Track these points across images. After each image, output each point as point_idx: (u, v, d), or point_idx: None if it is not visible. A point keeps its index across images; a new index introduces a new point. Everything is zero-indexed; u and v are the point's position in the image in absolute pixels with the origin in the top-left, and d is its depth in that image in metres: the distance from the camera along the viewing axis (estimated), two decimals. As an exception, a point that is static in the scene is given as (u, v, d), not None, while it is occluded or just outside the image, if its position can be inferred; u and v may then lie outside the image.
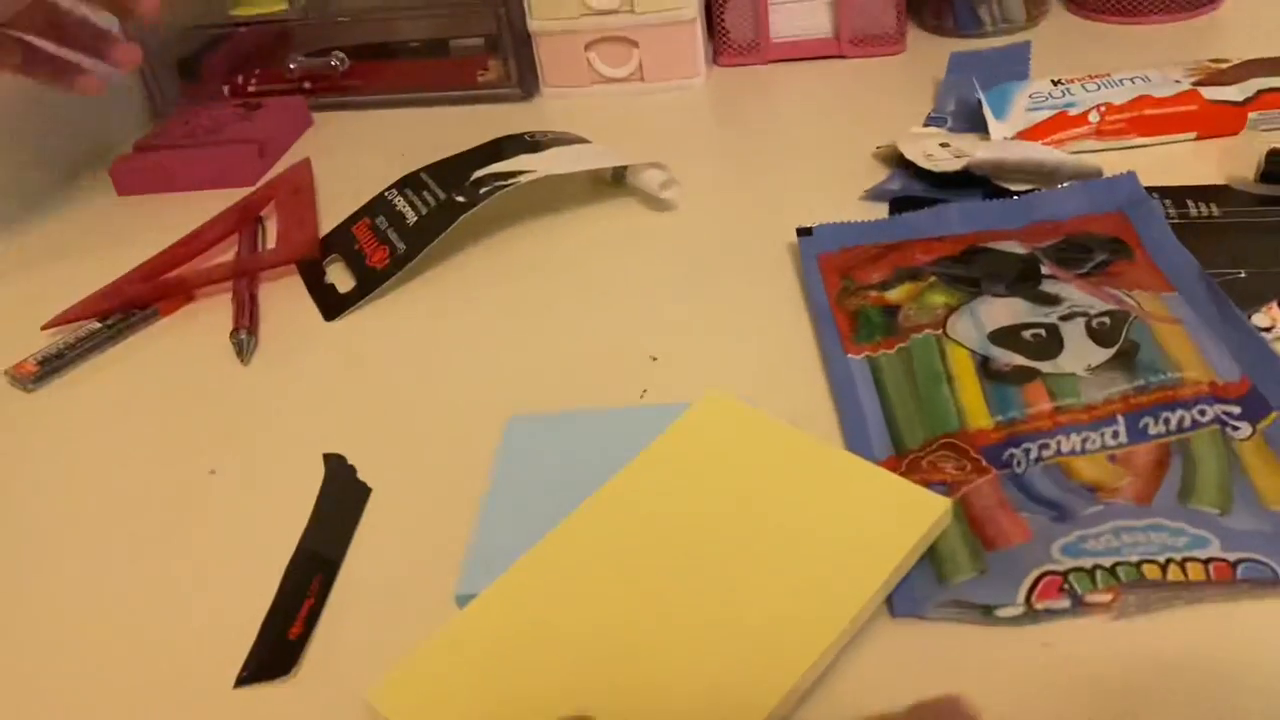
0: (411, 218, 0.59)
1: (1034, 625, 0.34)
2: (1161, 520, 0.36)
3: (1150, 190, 0.54)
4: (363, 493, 0.44)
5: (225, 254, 0.63)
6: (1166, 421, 0.39)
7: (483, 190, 0.59)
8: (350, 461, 0.45)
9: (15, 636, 0.39)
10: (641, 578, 0.36)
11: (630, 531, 0.37)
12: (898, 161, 0.63)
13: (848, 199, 0.60)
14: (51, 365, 0.54)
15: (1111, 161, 0.59)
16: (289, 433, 0.48)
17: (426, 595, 0.38)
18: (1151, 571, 0.34)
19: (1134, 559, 0.34)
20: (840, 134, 0.68)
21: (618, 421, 0.44)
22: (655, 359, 0.49)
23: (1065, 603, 0.34)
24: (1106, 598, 0.34)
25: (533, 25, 0.77)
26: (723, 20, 0.80)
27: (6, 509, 0.46)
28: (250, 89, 0.84)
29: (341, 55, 0.82)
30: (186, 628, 0.39)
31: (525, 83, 0.80)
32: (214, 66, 0.85)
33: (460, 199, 0.59)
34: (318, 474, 0.45)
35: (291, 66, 0.82)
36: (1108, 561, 0.34)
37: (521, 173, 0.60)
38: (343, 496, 0.43)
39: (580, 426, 0.44)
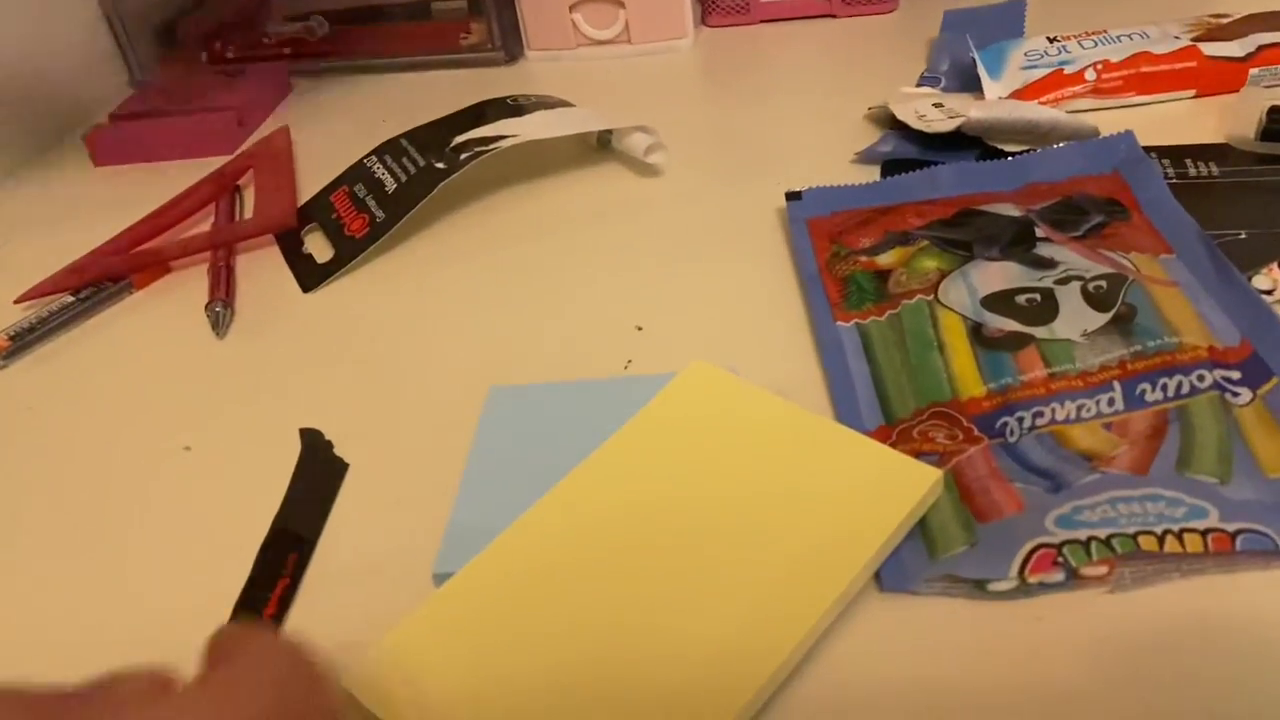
0: (391, 185, 0.58)
1: (1027, 599, 0.33)
2: (1158, 490, 0.35)
3: (1148, 149, 0.52)
4: (340, 468, 0.43)
5: (202, 225, 0.62)
6: (1164, 388, 0.38)
7: (463, 156, 0.58)
8: (327, 436, 0.44)
9: (-17, 619, 0.39)
10: (625, 553, 0.35)
11: (613, 505, 0.36)
12: (890, 123, 0.61)
13: (839, 162, 0.59)
14: (23, 340, 0.53)
15: (1108, 120, 0.57)
16: (265, 407, 0.47)
17: (405, 573, 0.37)
18: (1148, 543, 0.33)
19: (1130, 530, 0.33)
20: (831, 95, 0.67)
21: (601, 392, 0.43)
22: (640, 329, 0.48)
23: (1059, 576, 0.33)
24: (1101, 570, 0.33)
25: (515, -14, 0.75)
26: (711, -20, 0.78)
27: (-24, 488, 0.45)
28: (229, 55, 0.82)
29: (321, 19, 0.80)
30: (158, 609, 0.38)
31: (509, 45, 0.78)
32: (193, 33, 0.83)
33: (440, 165, 0.57)
34: (294, 449, 0.44)
35: (269, 32, 0.80)
36: (1103, 533, 0.33)
37: (503, 137, 0.59)
38: (319, 472, 0.42)
39: (563, 397, 0.43)
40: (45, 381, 0.51)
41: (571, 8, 0.76)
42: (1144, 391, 0.38)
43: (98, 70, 0.81)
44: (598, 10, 0.76)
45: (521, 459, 0.40)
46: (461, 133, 0.60)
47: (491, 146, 0.58)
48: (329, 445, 0.44)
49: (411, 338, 0.50)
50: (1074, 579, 0.33)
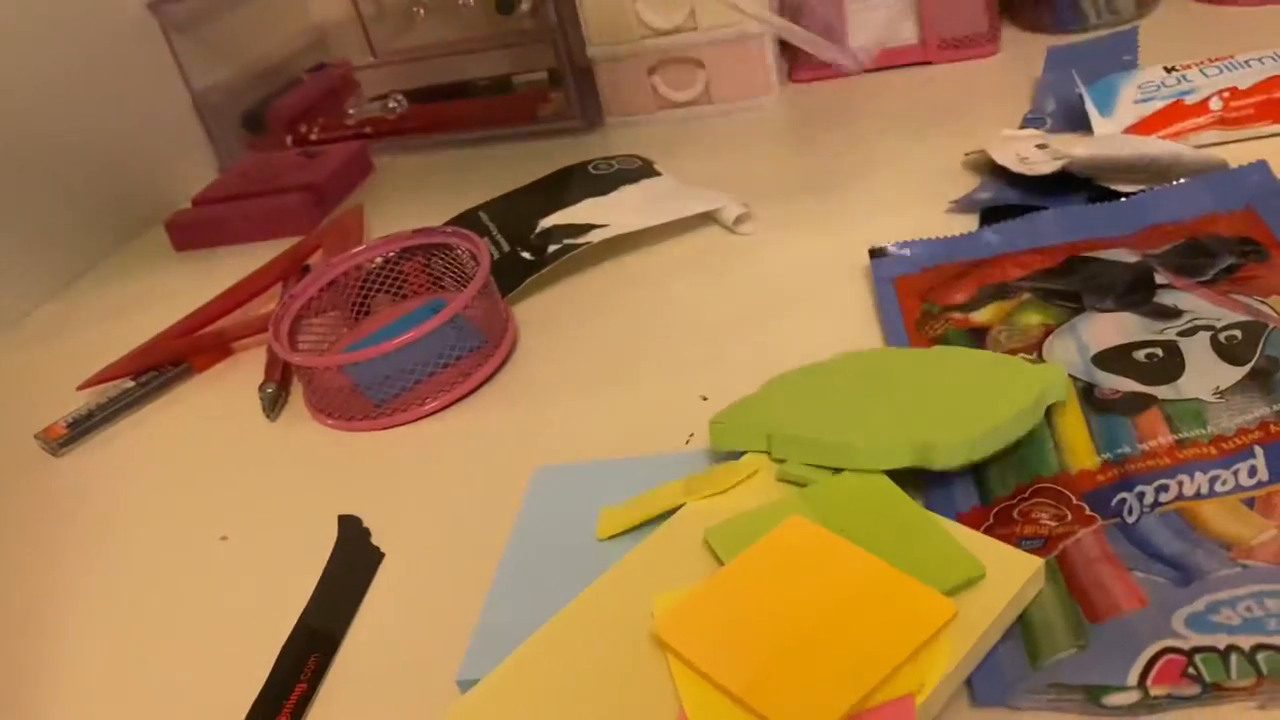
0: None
1: (1152, 716, 0.27)
2: (1318, 582, 0.28)
3: (1286, 181, 0.46)
4: (375, 558, 0.39)
5: (267, 305, 0.60)
6: (1319, 454, 0.32)
7: (551, 249, 0.55)
8: (366, 524, 0.41)
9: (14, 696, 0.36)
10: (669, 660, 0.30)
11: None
12: (989, 168, 0.56)
13: (933, 214, 0.54)
14: (80, 427, 0.52)
15: (1237, 153, 0.51)
16: (309, 491, 0.44)
17: (430, 678, 0.33)
18: (1305, 656, 0.26)
19: (1281, 639, 0.27)
20: (926, 145, 0.62)
21: (656, 471, 0.38)
22: (706, 399, 0.44)
23: (1193, 689, 0.27)
24: (1245, 683, 0.27)
25: (591, 51, 0.73)
26: (797, 34, 0.75)
27: (18, 574, 0.43)
28: (312, 137, 0.82)
29: (400, 98, 0.79)
30: (172, 714, 0.35)
31: (588, 113, 0.75)
32: (279, 118, 0.83)
33: (527, 256, 0.55)
34: (331, 537, 0.41)
35: (350, 112, 0.80)
36: (1246, 642, 0.27)
37: (592, 227, 0.56)
38: (353, 563, 0.39)
39: (613, 477, 0.38)
40: (98, 469, 0.50)
41: (650, 70, 0.73)
42: (1294, 459, 0.32)
43: (186, 159, 0.82)
44: (676, 72, 0.73)
45: (563, 547, 0.36)
46: (546, 214, 0.58)
47: (581, 241, 0.55)
48: (366, 533, 0.40)
49: (459, 415, 0.47)
50: (1211, 691, 0.27)
